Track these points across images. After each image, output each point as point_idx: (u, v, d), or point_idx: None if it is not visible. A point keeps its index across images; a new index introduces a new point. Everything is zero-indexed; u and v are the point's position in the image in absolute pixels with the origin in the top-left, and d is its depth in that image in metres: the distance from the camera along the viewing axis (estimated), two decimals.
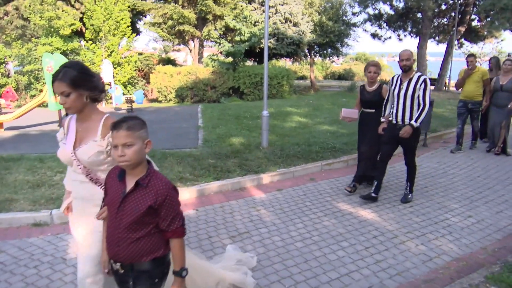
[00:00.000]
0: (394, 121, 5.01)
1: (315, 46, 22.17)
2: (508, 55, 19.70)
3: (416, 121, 4.76)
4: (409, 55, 4.88)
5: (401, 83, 4.93)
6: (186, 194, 5.26)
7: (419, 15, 22.03)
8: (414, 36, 23.40)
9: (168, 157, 6.58)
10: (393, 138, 5.00)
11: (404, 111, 4.88)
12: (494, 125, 7.64)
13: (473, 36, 23.38)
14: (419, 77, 4.86)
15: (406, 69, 4.88)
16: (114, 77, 16.24)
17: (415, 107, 4.83)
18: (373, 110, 5.41)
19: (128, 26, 16.93)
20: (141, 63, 18.50)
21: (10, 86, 15.46)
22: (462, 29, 21.36)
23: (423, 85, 4.78)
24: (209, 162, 6.38)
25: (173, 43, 21.87)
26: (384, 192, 5.56)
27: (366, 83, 5.56)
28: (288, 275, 3.47)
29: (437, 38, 23.72)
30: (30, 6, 15.17)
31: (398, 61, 5.03)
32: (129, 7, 17.51)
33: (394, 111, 4.99)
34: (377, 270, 3.57)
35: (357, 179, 5.59)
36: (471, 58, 7.64)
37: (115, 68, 16.49)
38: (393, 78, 5.14)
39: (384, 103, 5.24)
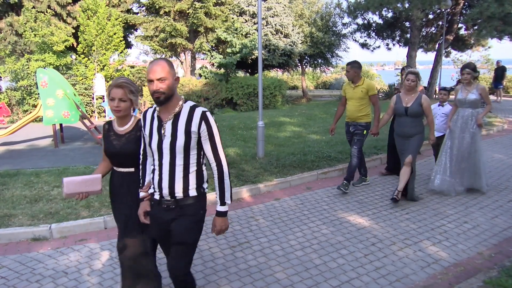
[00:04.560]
0: (157, 196, 2.59)
1: (306, 57, 22.39)
2: (497, 62, 19.95)
3: (224, 202, 2.70)
4: (165, 70, 2.39)
5: (160, 126, 2.49)
6: None
7: (407, 24, 22.39)
8: (403, 45, 23.77)
9: None
10: (163, 232, 2.67)
11: (173, 176, 2.50)
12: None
13: (461, 44, 23.80)
14: (192, 110, 2.49)
15: (161, 100, 2.40)
16: (106, 91, 16.27)
17: (193, 168, 2.54)
18: (132, 170, 2.86)
19: (121, 41, 17.02)
20: (133, 76, 18.56)
21: (3, 101, 15.38)
22: (450, 37, 21.71)
23: (203, 125, 2.46)
24: None
25: (165, 55, 21.97)
26: (380, 200, 5.63)
27: (114, 119, 2.92)
28: (289, 284, 3.50)
29: (425, 47, 24.09)
30: (25, 23, 15.20)
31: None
32: (121, 21, 17.62)
33: (156, 176, 2.56)
34: (376, 277, 3.62)
35: None
36: (348, 67, 5.77)
37: (107, 82, 16.54)
38: (145, 115, 2.62)
39: (141, 160, 2.77)
